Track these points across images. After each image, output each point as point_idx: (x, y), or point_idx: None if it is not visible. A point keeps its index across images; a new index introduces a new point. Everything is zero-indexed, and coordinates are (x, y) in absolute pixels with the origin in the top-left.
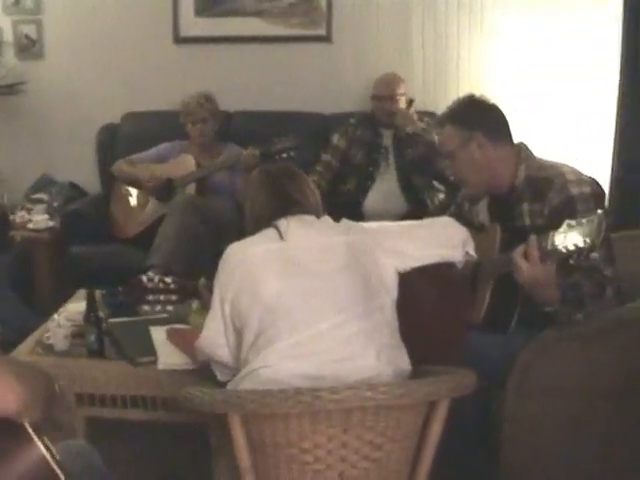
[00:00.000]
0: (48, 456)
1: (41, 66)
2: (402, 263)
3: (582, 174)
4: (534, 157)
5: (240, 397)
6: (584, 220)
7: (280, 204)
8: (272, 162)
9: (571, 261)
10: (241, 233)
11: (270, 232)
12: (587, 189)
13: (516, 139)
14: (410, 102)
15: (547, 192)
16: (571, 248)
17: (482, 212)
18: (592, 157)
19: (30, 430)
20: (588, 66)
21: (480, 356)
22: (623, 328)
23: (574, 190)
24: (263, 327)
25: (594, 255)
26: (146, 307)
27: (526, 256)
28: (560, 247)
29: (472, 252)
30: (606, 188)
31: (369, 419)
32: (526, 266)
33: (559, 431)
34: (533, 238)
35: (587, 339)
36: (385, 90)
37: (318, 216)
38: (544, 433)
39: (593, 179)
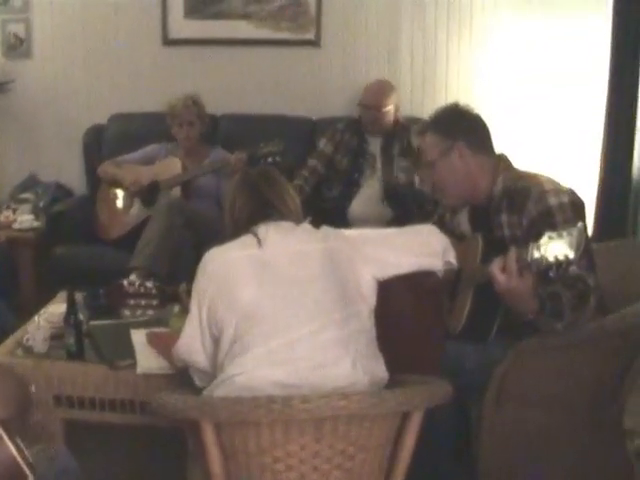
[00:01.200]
0: (17, 455)
1: (29, 65)
2: (381, 271)
3: (560, 184)
4: (513, 168)
5: (212, 404)
6: (564, 232)
7: (258, 209)
8: (257, 166)
9: (550, 273)
10: (220, 236)
11: (248, 239)
12: (565, 199)
13: (503, 147)
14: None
15: (525, 203)
16: (550, 260)
17: (463, 223)
18: (579, 166)
19: (0, 430)
20: (577, 73)
21: (459, 365)
22: (605, 339)
23: (552, 200)
24: (239, 334)
25: (573, 268)
26: (127, 312)
27: (504, 268)
28: (539, 259)
29: (453, 260)
30: (593, 197)
31: (341, 428)
32: (503, 278)
33: (536, 441)
34: (512, 250)
35: (567, 350)
36: (372, 100)
37: (297, 222)
38: (521, 443)
39: (571, 189)
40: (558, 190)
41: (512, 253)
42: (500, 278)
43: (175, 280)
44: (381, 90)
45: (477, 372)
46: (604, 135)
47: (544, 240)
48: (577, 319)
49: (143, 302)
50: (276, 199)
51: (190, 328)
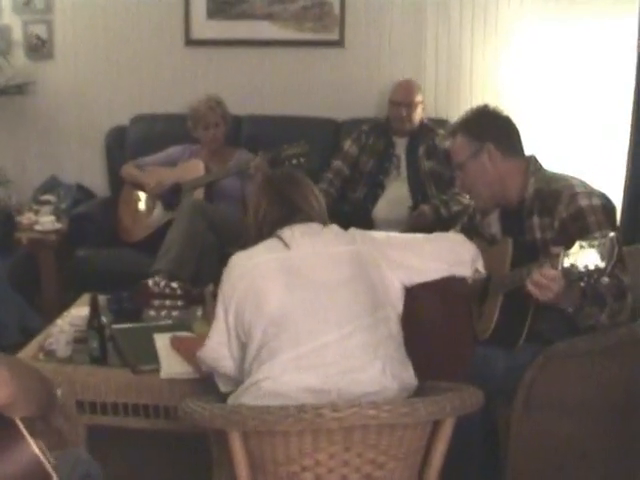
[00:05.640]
0: (40, 455)
1: (51, 67)
2: (408, 277)
3: (592, 187)
4: (544, 170)
5: (240, 413)
6: (596, 242)
7: (283, 211)
8: (280, 168)
9: (581, 283)
10: (243, 240)
11: (274, 242)
12: (597, 201)
13: (528, 149)
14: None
15: (556, 205)
16: (582, 270)
17: (494, 224)
18: (606, 169)
19: (22, 428)
20: (603, 74)
21: (487, 370)
22: (634, 345)
23: (583, 202)
24: (266, 339)
25: (605, 279)
26: (151, 312)
27: (535, 283)
28: (571, 269)
29: (481, 269)
30: (619, 201)
31: (371, 437)
32: (537, 292)
33: (564, 447)
34: (542, 265)
35: (596, 355)
36: (403, 96)
37: (323, 223)
38: (549, 449)
39: (603, 193)
40: (590, 193)
41: (540, 270)
42: (536, 293)
43: (199, 283)
44: (411, 87)
45: (505, 377)
46: (631, 137)
47: (575, 249)
48: (620, 309)
49: (168, 303)
50: (301, 200)
51: (216, 334)
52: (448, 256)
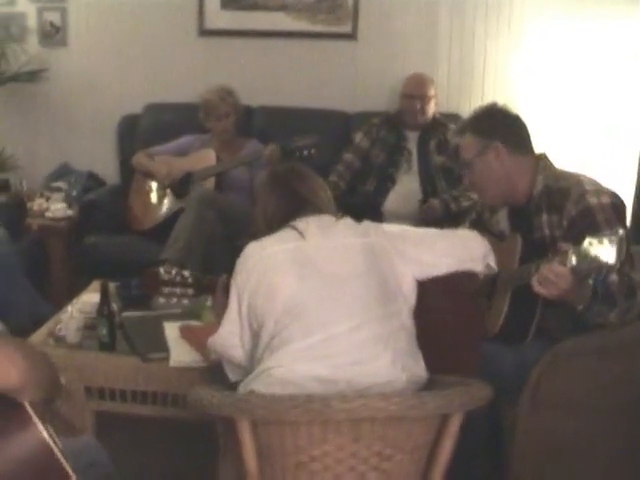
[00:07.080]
0: (50, 441)
1: (64, 54)
2: (420, 272)
3: (601, 185)
4: (553, 167)
5: (249, 402)
6: (605, 239)
7: (293, 205)
8: (292, 159)
9: (589, 280)
10: (252, 233)
11: (288, 233)
12: (606, 200)
13: (539, 145)
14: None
15: (564, 203)
16: (590, 267)
17: (502, 221)
18: (616, 167)
19: (31, 411)
20: (614, 76)
21: (494, 368)
22: None
23: (592, 200)
24: (278, 328)
25: (613, 277)
26: (161, 299)
27: (542, 282)
28: (579, 266)
29: (493, 265)
30: (630, 199)
31: (379, 429)
32: (544, 291)
33: (571, 446)
34: (549, 263)
35: (604, 353)
36: (417, 89)
37: (332, 213)
38: (556, 448)
39: (613, 191)
40: (599, 191)
41: (548, 266)
42: (543, 292)
43: (207, 273)
44: (424, 80)
45: (512, 375)
46: None
47: (584, 246)
48: (630, 307)
49: (178, 291)
50: (309, 193)
51: (229, 323)
52: (460, 252)
